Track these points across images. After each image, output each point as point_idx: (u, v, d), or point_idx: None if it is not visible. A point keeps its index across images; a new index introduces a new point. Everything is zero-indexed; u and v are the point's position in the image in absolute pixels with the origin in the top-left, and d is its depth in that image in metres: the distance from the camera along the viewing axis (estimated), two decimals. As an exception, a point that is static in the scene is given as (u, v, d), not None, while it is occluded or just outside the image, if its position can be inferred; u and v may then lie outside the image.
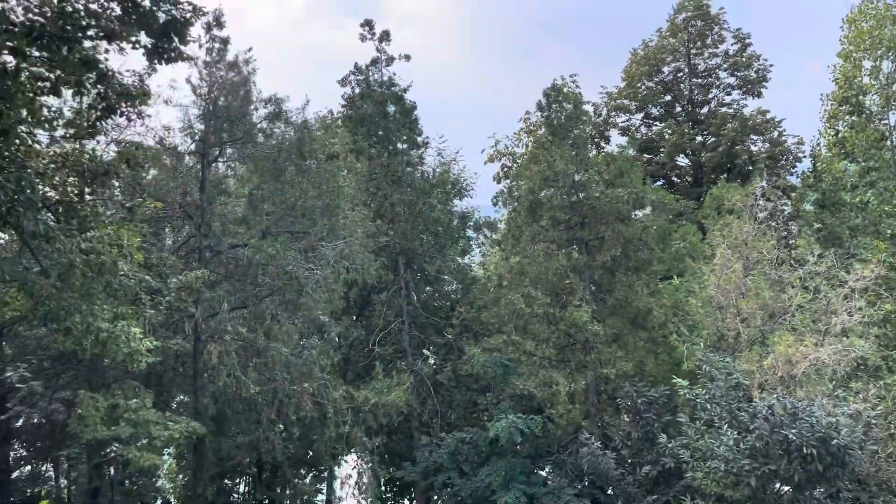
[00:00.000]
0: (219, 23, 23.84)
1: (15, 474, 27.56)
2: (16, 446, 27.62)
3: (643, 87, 40.25)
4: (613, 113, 40.99)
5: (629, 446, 22.88)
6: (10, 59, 13.29)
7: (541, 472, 25.93)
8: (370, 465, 24.20)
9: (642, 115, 41.48)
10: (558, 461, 24.93)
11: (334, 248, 21.95)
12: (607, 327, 24.56)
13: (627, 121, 41.45)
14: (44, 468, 30.99)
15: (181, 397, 26.64)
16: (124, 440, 18.02)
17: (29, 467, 30.02)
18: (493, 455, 24.65)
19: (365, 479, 24.92)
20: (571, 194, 25.87)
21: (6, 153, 13.83)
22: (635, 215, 27.34)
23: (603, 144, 38.85)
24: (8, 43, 12.73)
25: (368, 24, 29.58)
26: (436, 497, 27.97)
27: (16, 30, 12.28)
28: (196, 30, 18.11)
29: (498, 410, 24.73)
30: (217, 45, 22.73)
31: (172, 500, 31.36)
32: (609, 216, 25.38)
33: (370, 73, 30.18)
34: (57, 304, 14.59)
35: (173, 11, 14.03)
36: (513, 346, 25.36)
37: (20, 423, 25.40)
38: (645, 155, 39.67)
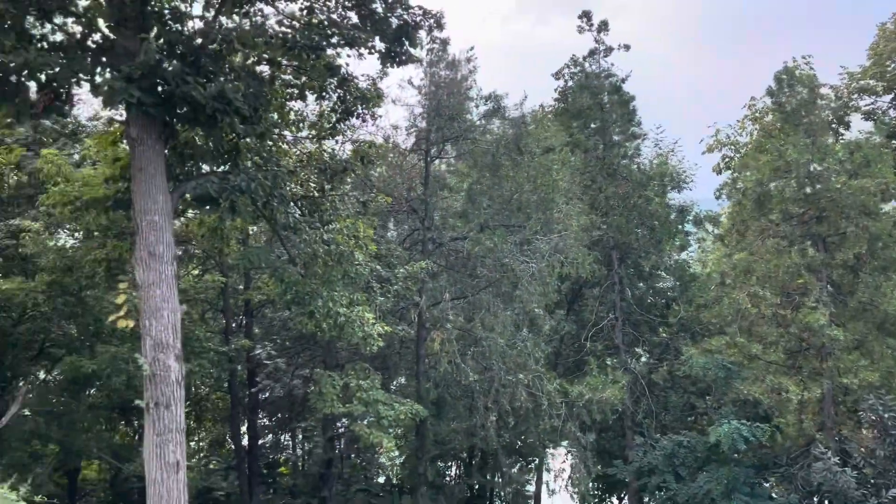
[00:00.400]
0: (439, 24, 24.88)
1: (260, 441, 30.88)
2: (261, 416, 30.98)
3: (893, 66, 35.75)
4: (855, 96, 36.86)
5: (872, 465, 20.65)
6: (264, 69, 14.90)
7: (765, 485, 24.22)
8: (583, 460, 24.03)
9: (892, 96, 36.89)
10: (787, 474, 23.08)
11: (549, 241, 22.06)
12: (848, 332, 22.23)
13: (873, 104, 37.00)
14: (282, 438, 34.47)
15: (400, 380, 28.23)
16: (355, 417, 19.45)
17: (271, 436, 33.51)
18: (712, 461, 23.39)
19: (577, 474, 24.79)
20: (806, 185, 23.75)
21: (263, 153, 15.53)
22: (882, 208, 24.50)
23: (842, 131, 35.06)
24: (265, 54, 14.24)
25: (586, 15, 29.26)
26: (648, 499, 27.15)
27: (273, 41, 13.67)
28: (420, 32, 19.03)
29: (719, 415, 23.39)
30: (437, 46, 23.71)
31: (391, 476, 33.43)
32: (852, 210, 22.93)
33: (587, 65, 29.83)
34: (302, 290, 16.11)
35: (405, 16, 14.81)
36: (736, 348, 23.83)
37: (266, 395, 28.48)
38: (894, 142, 35.28)
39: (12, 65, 11.31)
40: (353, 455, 30.09)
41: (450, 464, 33.39)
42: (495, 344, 20.80)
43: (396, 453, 32.20)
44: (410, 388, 25.64)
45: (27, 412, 21.27)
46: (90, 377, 19.97)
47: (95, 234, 17.74)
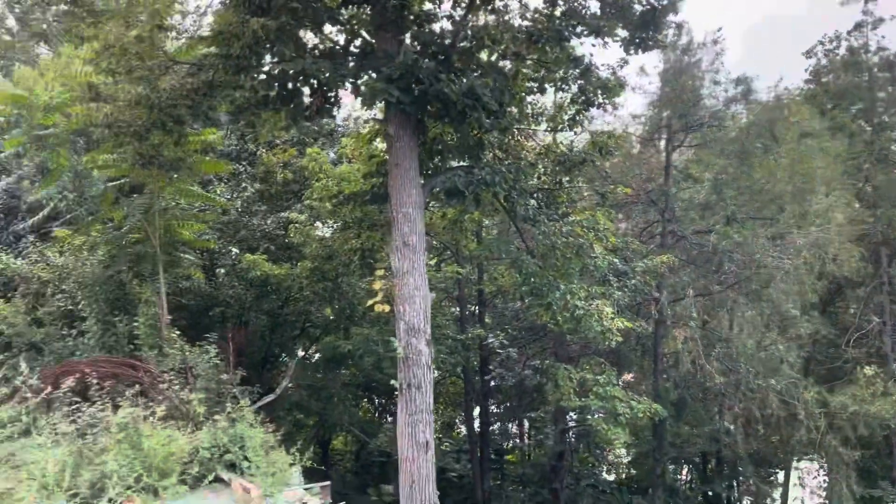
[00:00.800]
0: (675, 8, 23.65)
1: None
2: (490, 403, 31.75)
3: None
4: None
5: None
6: (506, 63, 15.11)
7: None
8: (844, 477, 21.59)
9: None
10: None
11: (806, 235, 20.07)
12: None
13: None
14: (510, 426, 35.12)
15: (628, 376, 27.45)
16: (590, 412, 19.23)
17: (499, 423, 34.28)
18: None
19: (836, 493, 22.34)
20: None
21: (504, 147, 15.84)
22: None
23: None
24: (510, 48, 14.42)
25: (850, -16, 26.17)
26: (921, 530, 23.83)
27: (518, 36, 13.80)
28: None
29: None
30: (673, 30, 22.56)
31: (618, 474, 32.71)
32: None
33: (852, 40, 26.69)
34: (540, 281, 16.20)
35: (651, 1, 14.24)
36: None
37: (496, 383, 29.15)
38: None
39: (290, 72, 12.56)
40: (580, 449, 29.79)
41: (680, 467, 31.94)
42: (744, 345, 19.39)
43: (623, 451, 31.43)
44: (641, 385, 24.83)
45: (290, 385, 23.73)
46: (344, 356, 21.78)
47: (350, 225, 19.27)
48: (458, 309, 27.23)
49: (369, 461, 30.94)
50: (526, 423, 34.32)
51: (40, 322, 14.44)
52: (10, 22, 33.15)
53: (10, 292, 15.73)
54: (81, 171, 15.44)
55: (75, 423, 8.95)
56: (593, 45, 14.17)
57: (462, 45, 13.42)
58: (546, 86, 15.74)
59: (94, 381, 10.29)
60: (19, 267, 15.20)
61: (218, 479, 9.42)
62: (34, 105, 14.25)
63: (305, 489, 9.77)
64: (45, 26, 28.93)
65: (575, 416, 26.06)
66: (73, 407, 8.88)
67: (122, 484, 5.94)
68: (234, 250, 22.17)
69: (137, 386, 10.87)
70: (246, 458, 9.77)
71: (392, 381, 12.82)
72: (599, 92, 15.44)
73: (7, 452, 8.29)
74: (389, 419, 33.26)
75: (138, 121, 12.34)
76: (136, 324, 13.76)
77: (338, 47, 13.68)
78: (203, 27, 25.25)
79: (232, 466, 9.72)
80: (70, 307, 14.49)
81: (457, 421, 35.93)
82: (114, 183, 15.28)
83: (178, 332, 14.29)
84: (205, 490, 9.15)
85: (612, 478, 31.35)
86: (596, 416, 20.57)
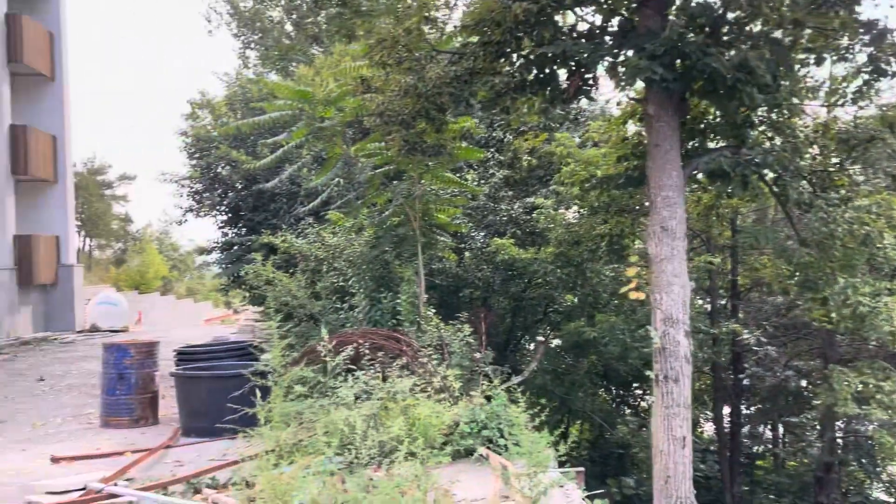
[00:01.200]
0: None
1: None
2: (741, 404, 29.52)
3: None
4: None
5: None
6: (779, 34, 13.70)
7: None
8: None
9: None
10: None
11: None
12: None
13: None
14: (762, 430, 32.39)
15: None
16: (864, 421, 17.12)
17: (748, 426, 31.79)
18: None
19: None
20: None
21: (776, 124, 14.48)
22: None
23: None
24: (787, 15, 13.05)
25: None
26: None
27: (800, 1, 12.45)
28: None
29: None
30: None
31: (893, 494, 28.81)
32: None
33: None
34: (814, 273, 14.67)
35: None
36: None
37: (749, 383, 27.02)
38: None
39: (549, 55, 12.48)
40: (849, 461, 26.63)
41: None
42: None
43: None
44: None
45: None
46: (588, 343, 21.51)
47: (598, 210, 18.88)
48: (706, 301, 25.67)
49: (607, 451, 30.31)
50: (780, 428, 31.48)
51: (317, 295, 15.95)
52: (288, 27, 37.19)
53: (291, 268, 17.59)
54: (351, 159, 16.81)
55: (352, 389, 9.71)
56: (892, 7, 12.44)
57: (733, 15, 12.44)
58: (825, 55, 14.10)
59: (366, 351, 11.11)
60: (300, 246, 16.92)
61: (479, 455, 9.69)
62: (315, 100, 15.72)
63: (562, 473, 9.71)
64: (317, 29, 32.01)
65: (843, 426, 23.47)
66: (352, 374, 9.66)
67: (407, 450, 6.29)
68: (480, 234, 22.80)
69: (403, 359, 11.53)
70: (502, 436, 9.94)
71: (647, 373, 12.34)
72: (893, 60, 13.48)
73: (295, 410, 9.18)
74: (627, 411, 32.41)
75: (406, 109, 13.05)
76: (398, 301, 14.63)
77: (595, 28, 13.38)
78: (453, 20, 26.24)
79: (489, 442, 9.95)
80: (342, 283, 15.83)
81: (701, 419, 33.96)
82: (379, 170, 16.39)
83: (433, 311, 15.02)
84: (464, 462, 9.46)
85: (890, 499, 27.69)
86: (871, 426, 18.29)
